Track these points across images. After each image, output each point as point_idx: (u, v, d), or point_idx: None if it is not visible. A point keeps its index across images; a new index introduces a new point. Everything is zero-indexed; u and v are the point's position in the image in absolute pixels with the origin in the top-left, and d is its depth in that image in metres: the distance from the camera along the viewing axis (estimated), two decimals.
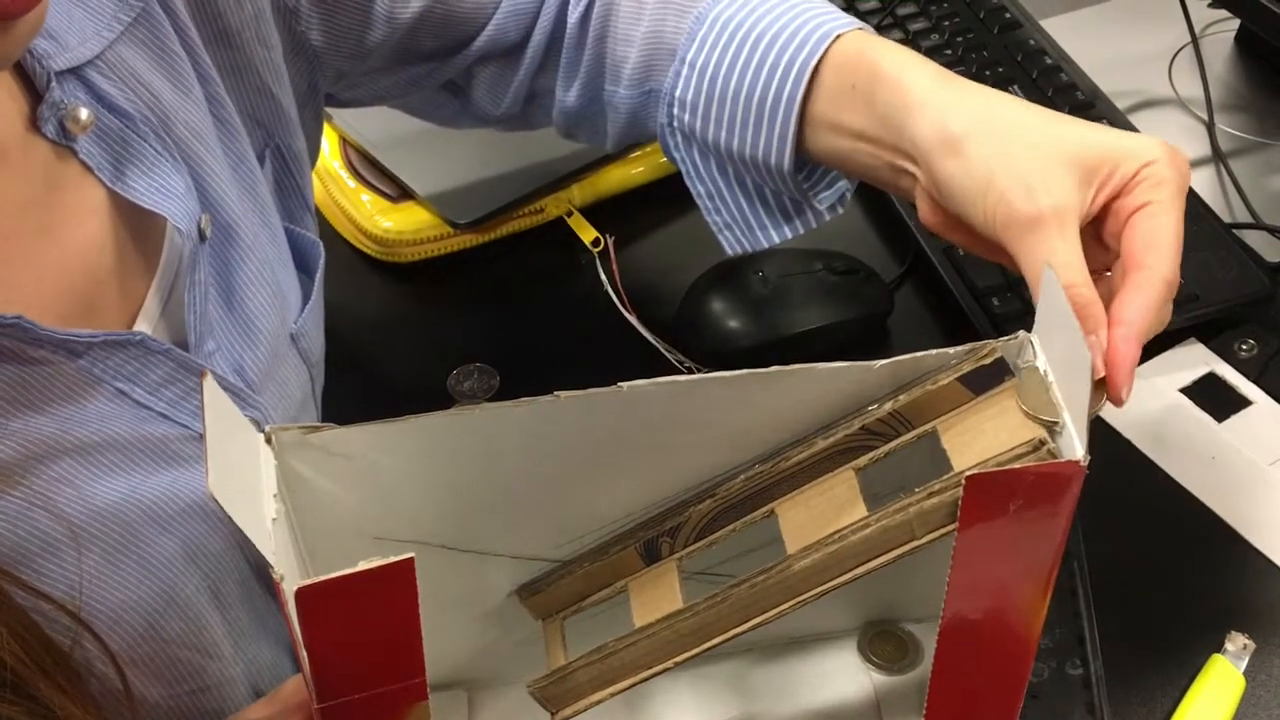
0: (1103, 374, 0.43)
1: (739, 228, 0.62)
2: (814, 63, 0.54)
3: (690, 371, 0.67)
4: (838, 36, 0.54)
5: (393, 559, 0.33)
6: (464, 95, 0.67)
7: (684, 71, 0.59)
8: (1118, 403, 0.43)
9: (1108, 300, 0.46)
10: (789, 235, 0.61)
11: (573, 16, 0.63)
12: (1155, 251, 0.46)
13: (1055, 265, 0.44)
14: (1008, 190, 0.47)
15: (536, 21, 0.64)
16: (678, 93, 0.59)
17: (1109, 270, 0.49)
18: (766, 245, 0.61)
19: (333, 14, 0.59)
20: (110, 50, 0.48)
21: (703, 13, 0.59)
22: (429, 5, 0.61)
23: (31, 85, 0.46)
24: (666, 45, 0.60)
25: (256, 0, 0.55)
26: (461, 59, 0.64)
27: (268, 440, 0.39)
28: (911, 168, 0.52)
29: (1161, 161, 0.47)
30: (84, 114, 0.46)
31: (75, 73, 0.47)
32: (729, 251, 0.63)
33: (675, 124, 0.60)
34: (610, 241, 0.73)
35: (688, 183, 0.62)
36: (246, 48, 0.55)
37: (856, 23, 0.56)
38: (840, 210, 0.61)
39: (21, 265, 0.45)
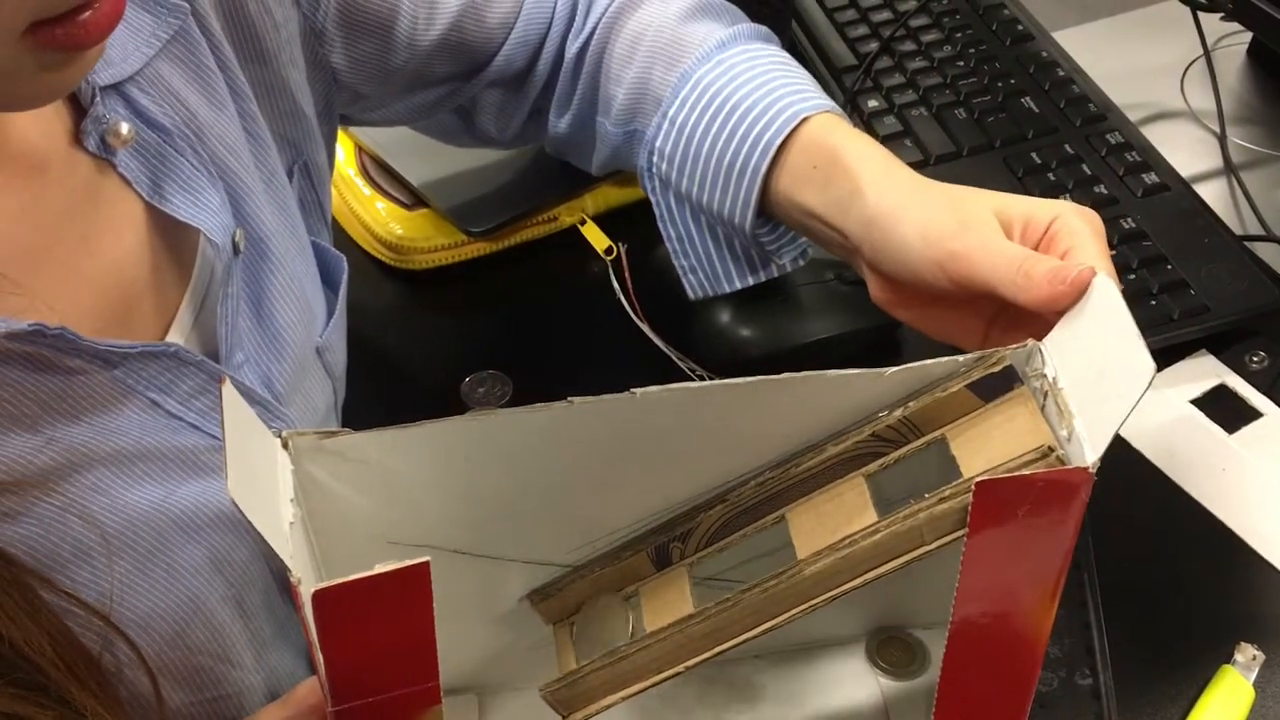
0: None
1: (704, 271, 0.64)
2: (779, 141, 0.57)
3: (702, 379, 0.67)
4: (806, 119, 0.57)
5: (408, 563, 0.34)
6: (470, 119, 0.69)
7: (664, 125, 0.61)
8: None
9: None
10: (750, 283, 0.64)
11: (571, 49, 0.65)
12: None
13: (1003, 253, 0.47)
14: (943, 231, 0.49)
15: (541, 51, 0.66)
16: (657, 143, 0.62)
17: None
18: (727, 290, 0.64)
19: (356, 39, 0.61)
20: (149, 67, 0.49)
21: (688, 71, 0.61)
22: (446, 33, 0.63)
23: (74, 100, 0.47)
24: (652, 94, 0.63)
25: (289, 25, 0.56)
26: (473, 85, 0.66)
27: (284, 445, 0.40)
28: (853, 248, 0.55)
29: (1068, 214, 0.49)
30: (125, 128, 0.47)
31: (116, 88, 0.47)
32: (690, 294, 0.65)
33: (653, 169, 0.63)
34: (623, 250, 0.74)
35: (660, 225, 0.65)
36: (282, 70, 0.56)
37: (827, 105, 0.58)
38: (801, 263, 0.64)
39: (62, 276, 0.46)
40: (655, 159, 0.62)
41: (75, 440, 0.45)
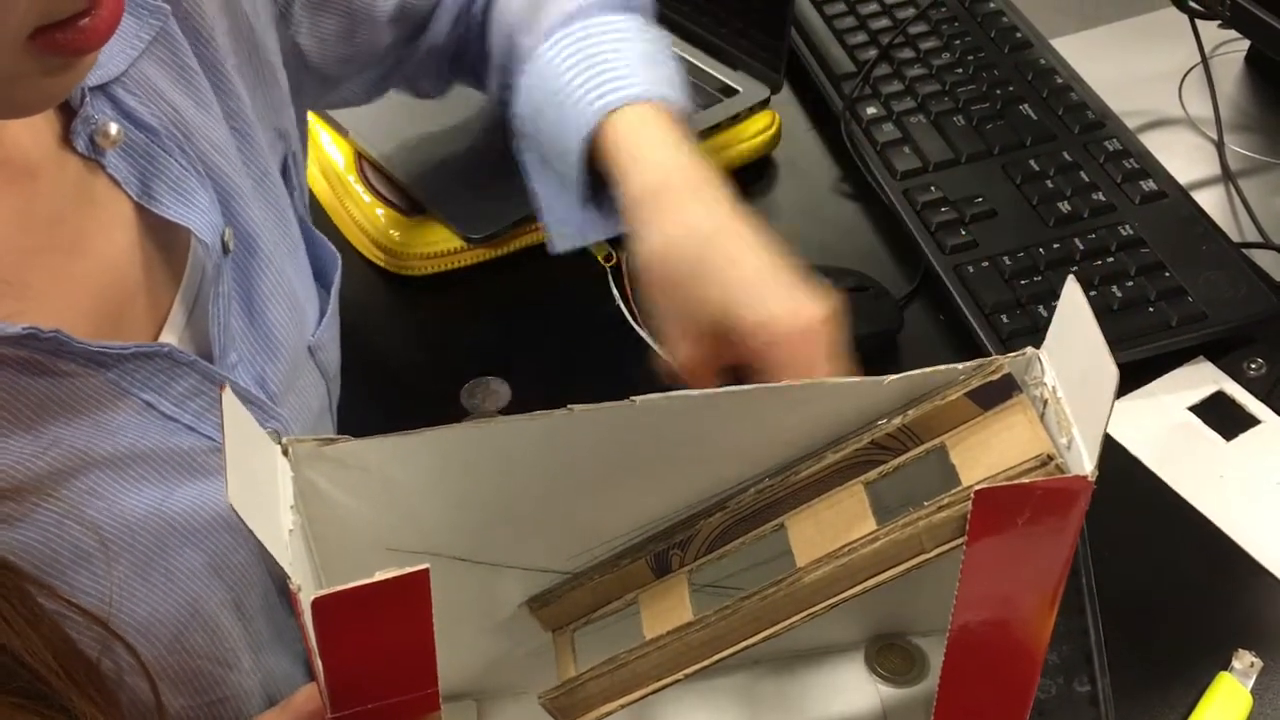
0: None
1: (569, 224, 0.64)
2: (586, 133, 0.58)
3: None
4: (611, 112, 0.57)
5: (408, 570, 0.33)
6: (415, 85, 0.72)
7: (515, 90, 0.63)
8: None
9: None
10: (611, 234, 0.63)
11: (476, 6, 0.67)
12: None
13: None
14: (663, 332, 0.54)
15: (463, 12, 0.68)
16: (514, 106, 0.63)
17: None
18: (592, 240, 0.64)
19: (321, 17, 0.61)
20: (134, 68, 0.49)
21: (534, 44, 0.62)
22: (398, 2, 0.64)
23: (64, 103, 0.47)
24: (516, 57, 0.64)
25: (265, 9, 0.56)
26: (414, 51, 0.68)
27: (284, 452, 0.39)
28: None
29: (791, 343, 0.49)
30: (113, 129, 0.47)
31: (103, 89, 0.48)
32: (557, 248, 0.65)
33: (515, 128, 0.64)
34: (623, 256, 0.74)
35: (527, 181, 0.65)
36: (269, 58, 0.56)
37: (645, 92, 0.58)
38: None
39: (54, 278, 0.46)
40: (514, 120, 0.64)
41: (71, 444, 0.45)
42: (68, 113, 0.47)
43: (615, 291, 0.72)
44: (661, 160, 0.56)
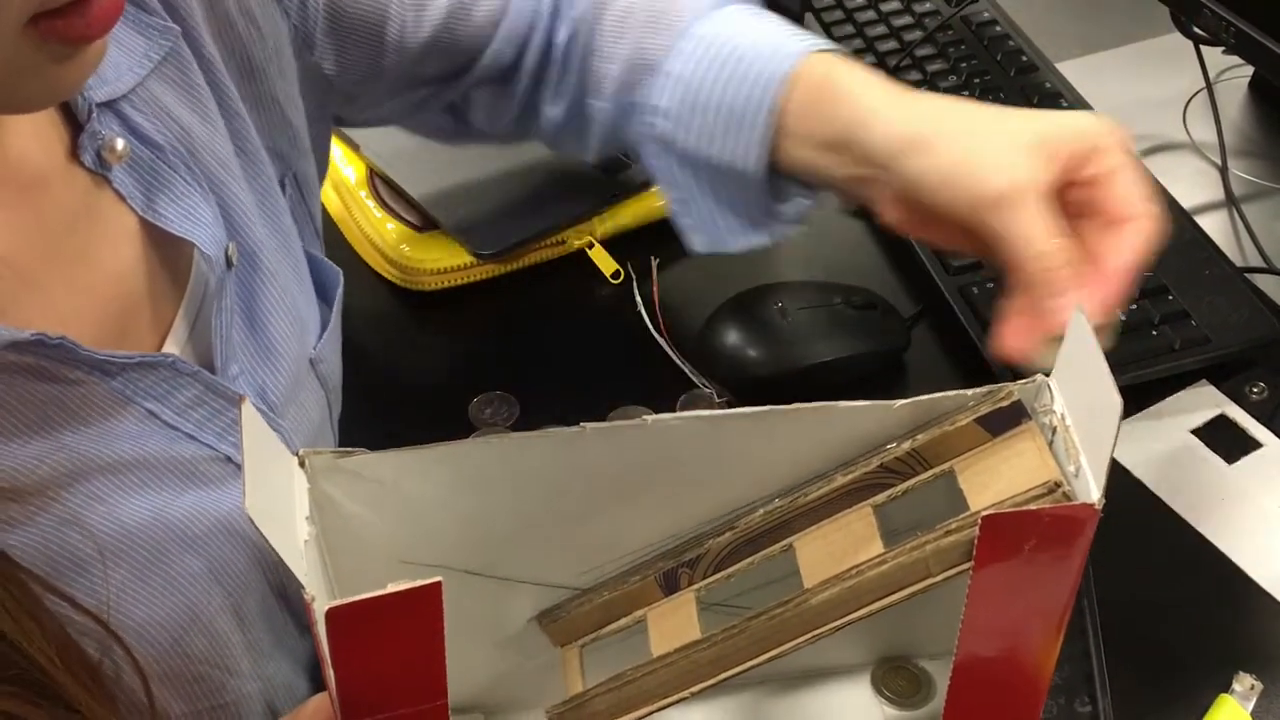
0: (1097, 321, 0.47)
1: (707, 231, 0.65)
2: (783, 72, 0.58)
3: (714, 396, 0.68)
4: (808, 54, 0.58)
5: (421, 583, 0.34)
6: (462, 116, 0.70)
7: (664, 82, 0.62)
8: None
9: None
10: (752, 243, 0.64)
11: (559, 37, 0.66)
12: (1132, 204, 0.52)
13: (1034, 233, 0.51)
14: (979, 173, 0.52)
15: (529, 44, 0.66)
16: (656, 100, 0.62)
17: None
18: (730, 249, 0.64)
19: (346, 45, 0.61)
20: (142, 86, 0.50)
21: (685, 27, 0.62)
22: (435, 33, 0.64)
23: (71, 117, 0.48)
24: (648, 60, 0.63)
25: (277, 35, 0.57)
26: (463, 83, 0.67)
27: (301, 464, 0.40)
28: (875, 173, 0.56)
29: (1106, 133, 0.53)
30: (120, 144, 0.48)
31: (111, 106, 0.48)
32: (697, 249, 0.65)
33: (653, 131, 0.63)
34: (655, 264, 0.74)
35: (661, 186, 0.65)
36: (270, 81, 0.57)
37: (828, 44, 0.59)
38: (800, 225, 0.65)
39: (62, 288, 0.47)
40: (654, 119, 0.63)
41: (75, 449, 0.45)
42: (76, 128, 0.48)
43: (639, 299, 0.72)
44: (878, 79, 0.57)
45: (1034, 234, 0.51)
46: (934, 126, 0.54)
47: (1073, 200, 0.53)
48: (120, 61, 0.49)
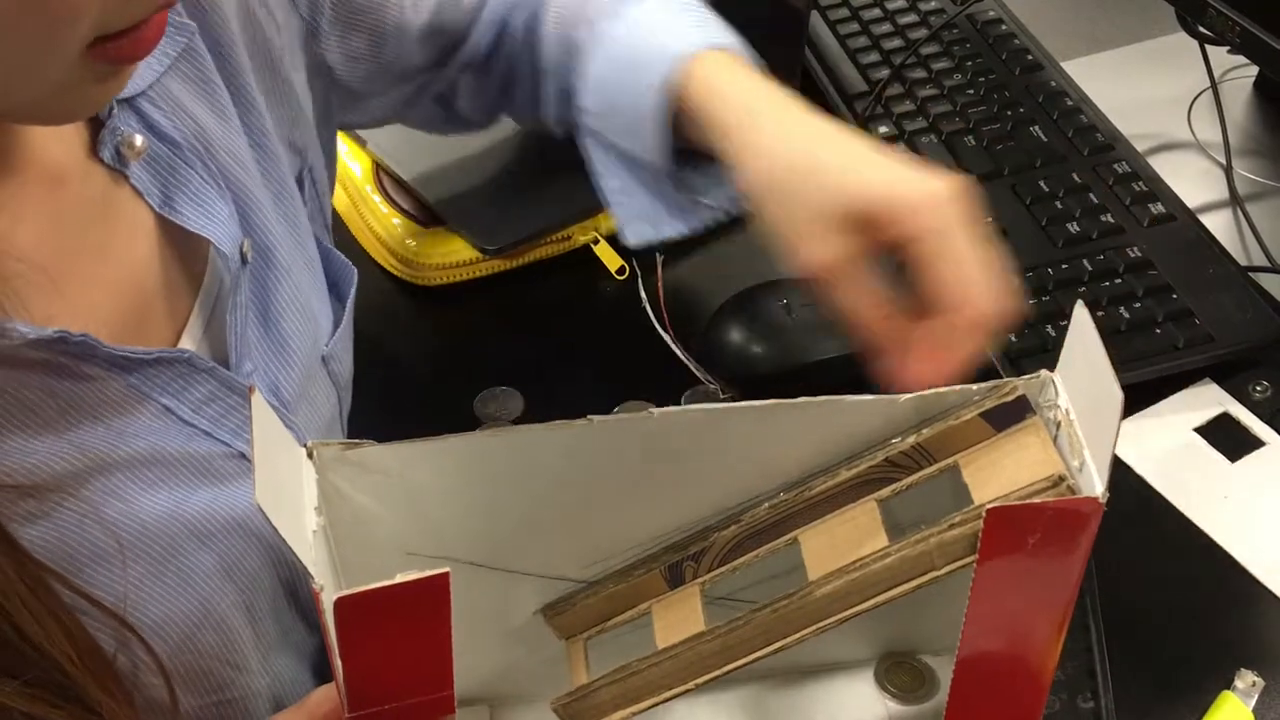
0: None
1: (644, 219, 0.65)
2: (662, 79, 0.58)
3: (719, 392, 0.68)
4: (692, 57, 0.58)
5: (428, 573, 0.34)
6: (449, 106, 0.71)
7: (582, 84, 0.63)
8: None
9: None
10: (686, 231, 0.64)
11: (519, 22, 0.68)
12: (951, 293, 0.49)
13: (849, 306, 0.51)
14: (791, 241, 0.53)
15: (506, 29, 0.68)
16: (580, 101, 0.63)
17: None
18: (669, 236, 0.65)
19: (350, 33, 0.62)
20: (159, 83, 0.50)
21: (597, 27, 0.63)
22: (430, 18, 0.65)
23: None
24: (570, 62, 0.64)
25: (289, 27, 0.57)
26: (450, 69, 0.68)
27: (309, 455, 0.40)
28: None
29: (927, 208, 0.49)
30: (138, 140, 0.48)
31: (129, 102, 0.49)
32: (630, 241, 0.66)
33: (583, 125, 0.64)
34: (660, 260, 0.74)
35: (598, 181, 0.66)
36: (286, 73, 0.57)
37: (712, 41, 0.59)
38: (733, 211, 0.64)
39: (81, 283, 0.47)
40: (582, 117, 0.64)
41: (93, 445, 0.45)
42: (95, 124, 0.48)
43: (644, 295, 0.72)
44: (748, 88, 0.57)
45: (848, 307, 0.52)
46: (758, 185, 0.54)
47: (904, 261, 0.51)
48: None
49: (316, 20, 0.60)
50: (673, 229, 0.64)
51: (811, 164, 0.53)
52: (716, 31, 0.60)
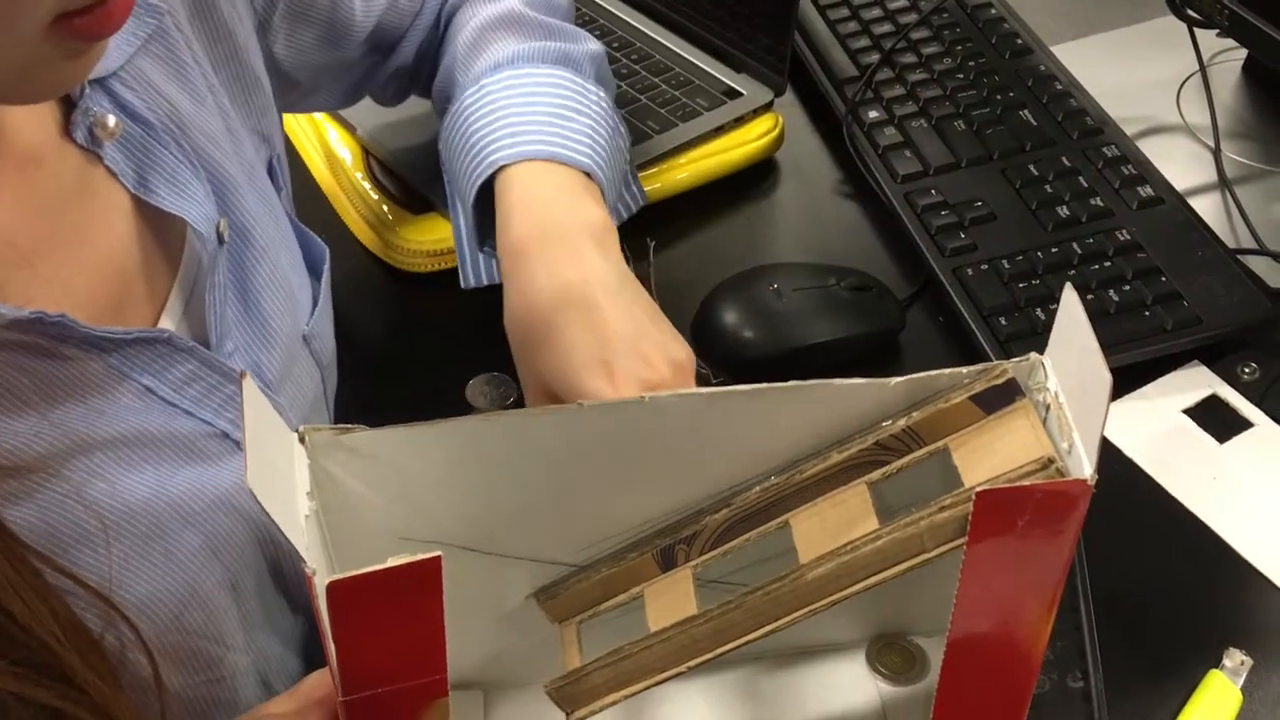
0: None
1: (474, 268, 0.67)
2: (474, 191, 0.60)
3: (710, 377, 0.68)
4: (502, 168, 0.59)
5: (420, 557, 0.34)
6: (378, 97, 0.74)
7: (441, 129, 0.66)
8: None
9: None
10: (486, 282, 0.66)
11: (439, 24, 0.69)
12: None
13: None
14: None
15: (435, 30, 0.69)
16: (439, 143, 0.66)
17: None
18: (494, 282, 0.65)
19: (299, 28, 0.63)
20: (131, 64, 0.50)
21: (462, 87, 0.64)
22: (379, 18, 0.66)
23: (64, 96, 0.48)
24: (452, 90, 0.66)
25: (250, 17, 0.58)
26: (385, 68, 0.70)
27: (301, 440, 0.40)
28: None
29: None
30: (111, 121, 0.48)
31: (101, 83, 0.49)
32: (464, 284, 0.67)
33: (441, 158, 0.67)
34: (651, 246, 0.74)
35: (450, 213, 0.67)
36: (252, 63, 0.58)
37: (528, 152, 0.59)
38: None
39: (58, 265, 0.47)
40: (440, 153, 0.66)
41: (74, 426, 0.45)
42: (67, 105, 0.48)
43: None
44: (537, 214, 0.57)
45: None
46: (511, 330, 0.56)
47: None
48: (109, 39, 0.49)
49: (269, 14, 0.61)
50: (497, 278, 0.65)
51: (540, 336, 0.54)
52: (560, 133, 0.60)
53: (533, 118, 0.60)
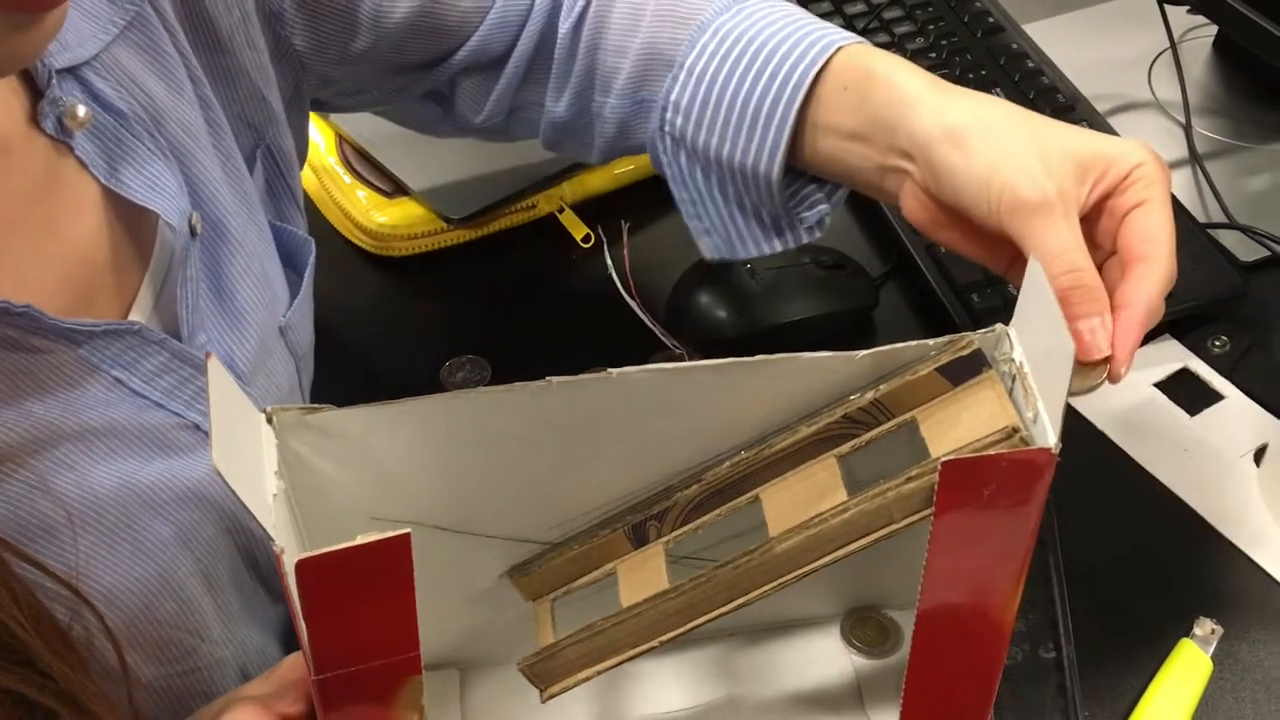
0: (1107, 354, 0.47)
1: (718, 235, 0.63)
2: (814, 72, 0.56)
3: (684, 357, 0.68)
4: (839, 49, 0.56)
5: (390, 534, 0.34)
6: (447, 104, 0.68)
7: (681, 77, 0.60)
8: (1116, 380, 0.47)
9: (1109, 290, 0.49)
10: (766, 250, 0.62)
11: (564, 27, 0.64)
12: (1155, 244, 0.49)
13: (1061, 248, 0.48)
14: (1013, 177, 0.49)
15: (521, 34, 0.64)
16: (673, 97, 0.60)
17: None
18: (744, 256, 0.62)
19: (316, 20, 0.60)
20: (106, 52, 0.49)
21: (705, 22, 0.60)
22: (414, 16, 0.62)
23: (32, 83, 0.47)
24: (663, 56, 0.61)
25: (244, 4, 0.56)
26: (445, 69, 0.65)
27: (269, 420, 0.40)
28: (904, 164, 0.54)
29: (1150, 163, 0.50)
30: (81, 110, 0.47)
31: (73, 72, 0.48)
32: (708, 255, 0.64)
33: (667, 129, 0.61)
34: (625, 228, 0.74)
35: (673, 188, 0.63)
36: (238, 53, 0.56)
37: (855, 37, 0.57)
38: (819, 233, 0.62)
39: (26, 256, 0.47)
40: (670, 115, 0.60)
41: (42, 417, 0.45)
42: (36, 94, 0.47)
43: (610, 262, 0.72)
44: (916, 69, 0.55)
45: (1060, 250, 0.48)
46: (973, 122, 0.51)
47: (1097, 229, 0.51)
48: (84, 27, 0.49)
49: (277, 3, 0.59)
50: (746, 249, 0.62)
51: (1028, 117, 0.52)
52: (843, 31, 0.58)
53: (820, 22, 0.58)
